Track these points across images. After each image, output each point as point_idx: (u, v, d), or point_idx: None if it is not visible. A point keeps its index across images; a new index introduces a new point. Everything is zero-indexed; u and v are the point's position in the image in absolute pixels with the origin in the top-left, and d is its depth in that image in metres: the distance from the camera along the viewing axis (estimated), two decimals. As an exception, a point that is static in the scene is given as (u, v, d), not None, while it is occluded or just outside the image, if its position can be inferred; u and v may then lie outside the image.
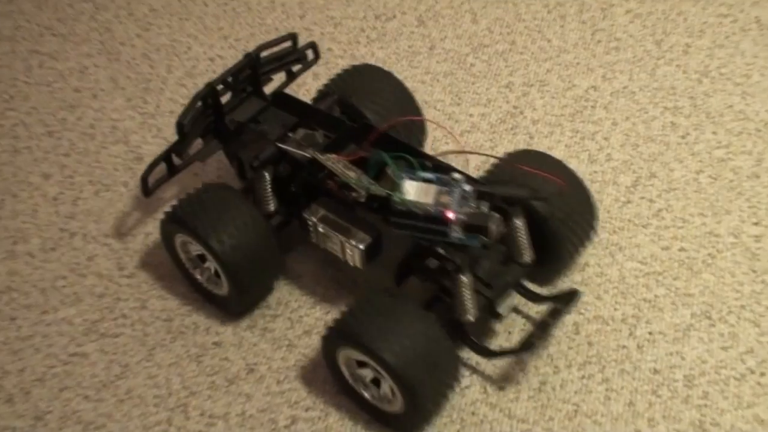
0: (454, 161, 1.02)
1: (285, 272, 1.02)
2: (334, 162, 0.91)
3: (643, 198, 1.08)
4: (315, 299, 1.01)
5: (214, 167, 1.14)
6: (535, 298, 0.94)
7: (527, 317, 0.98)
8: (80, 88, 1.26)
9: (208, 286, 1.00)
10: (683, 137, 1.13)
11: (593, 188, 1.05)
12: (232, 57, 1.26)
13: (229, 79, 1.00)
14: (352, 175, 0.90)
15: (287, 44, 1.04)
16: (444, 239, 0.86)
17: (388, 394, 0.87)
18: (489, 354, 0.92)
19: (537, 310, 0.97)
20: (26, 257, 1.08)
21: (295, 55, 1.05)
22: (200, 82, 1.17)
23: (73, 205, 1.13)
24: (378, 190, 0.88)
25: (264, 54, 1.01)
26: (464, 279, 0.86)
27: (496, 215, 0.87)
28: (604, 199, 1.08)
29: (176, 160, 1.01)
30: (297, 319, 1.00)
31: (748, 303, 0.97)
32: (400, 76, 1.09)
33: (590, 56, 1.23)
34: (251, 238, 0.93)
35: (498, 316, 0.91)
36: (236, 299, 0.97)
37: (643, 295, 0.99)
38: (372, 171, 0.90)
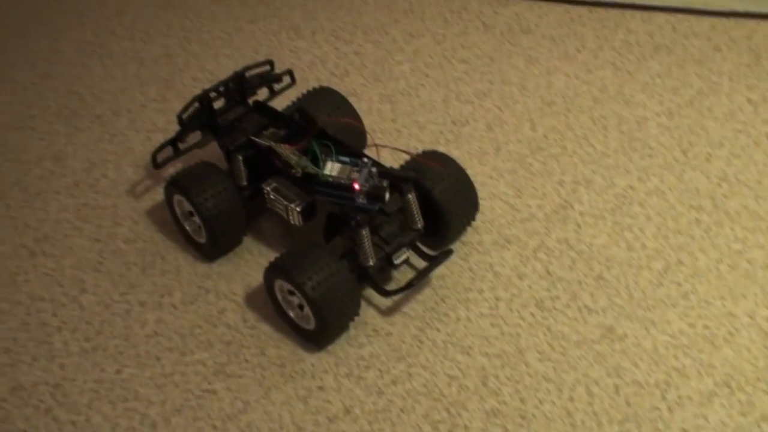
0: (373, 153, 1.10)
1: (249, 231, 1.15)
2: (283, 149, 1.06)
3: (672, 282, 1.06)
4: (402, 362, 1.00)
5: (211, 154, 1.18)
6: (423, 255, 1.06)
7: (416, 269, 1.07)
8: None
9: (193, 236, 1.13)
10: (706, 231, 1.11)
11: (630, 272, 1.04)
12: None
13: (221, 89, 1.15)
14: (293, 157, 1.05)
15: (266, 68, 1.21)
16: (351, 204, 1.00)
17: (307, 316, 0.99)
18: (385, 293, 1.03)
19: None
20: (170, 308, 1.09)
21: (272, 77, 1.21)
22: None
23: (209, 267, 1.13)
24: (309, 168, 1.03)
25: (250, 73, 1.17)
26: (363, 232, 0.99)
27: (389, 187, 1.01)
28: (640, 281, 1.06)
29: (180, 145, 1.17)
30: (386, 371, 0.99)
31: (763, 376, 0.94)
32: (471, 172, 1.09)
33: (628, 161, 1.22)
34: (226, 201, 1.08)
35: (394, 266, 1.03)
36: (211, 247, 1.11)
37: (673, 364, 0.96)
38: (309, 156, 1.04)
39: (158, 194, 1.23)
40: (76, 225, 1.21)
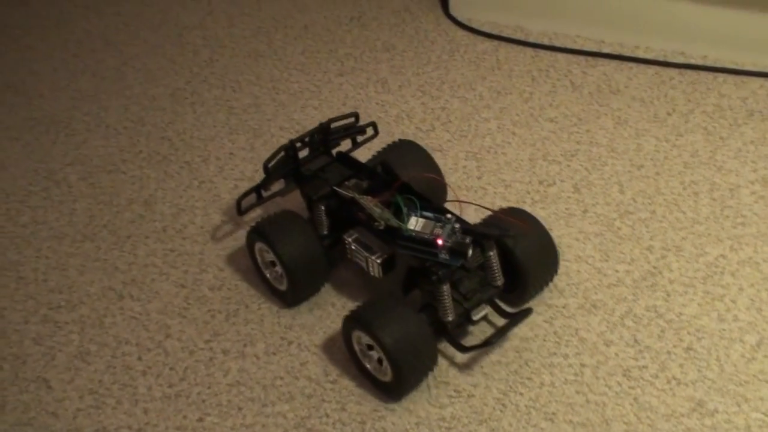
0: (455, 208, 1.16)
1: (330, 279, 1.18)
2: (366, 201, 1.08)
3: (766, 356, 1.03)
4: (483, 426, 0.99)
5: (294, 202, 1.22)
6: (502, 312, 1.07)
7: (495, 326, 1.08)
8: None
9: (274, 283, 1.16)
10: (802, 306, 1.08)
11: (721, 344, 1.02)
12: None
13: (306, 139, 1.18)
14: (377, 210, 1.07)
15: (351, 120, 1.23)
16: (434, 259, 1.02)
17: (384, 369, 1.01)
18: (462, 349, 1.05)
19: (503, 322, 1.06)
20: (253, 358, 1.10)
21: (356, 129, 1.24)
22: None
23: (292, 318, 1.15)
24: (392, 221, 1.06)
25: (335, 125, 1.20)
26: (444, 288, 1.00)
27: (472, 244, 1.02)
28: (731, 354, 1.03)
29: (264, 193, 1.20)
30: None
31: None
32: (557, 233, 1.09)
33: (720, 228, 1.20)
34: (308, 250, 1.11)
35: (472, 322, 1.05)
36: (291, 294, 1.14)
37: (767, 444, 0.93)
38: (392, 209, 1.07)
39: (244, 242, 1.25)
40: (163, 270, 1.24)
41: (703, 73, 1.48)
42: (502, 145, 1.39)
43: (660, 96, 1.44)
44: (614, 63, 1.53)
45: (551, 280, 1.12)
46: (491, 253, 1.03)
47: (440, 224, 1.04)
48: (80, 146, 1.47)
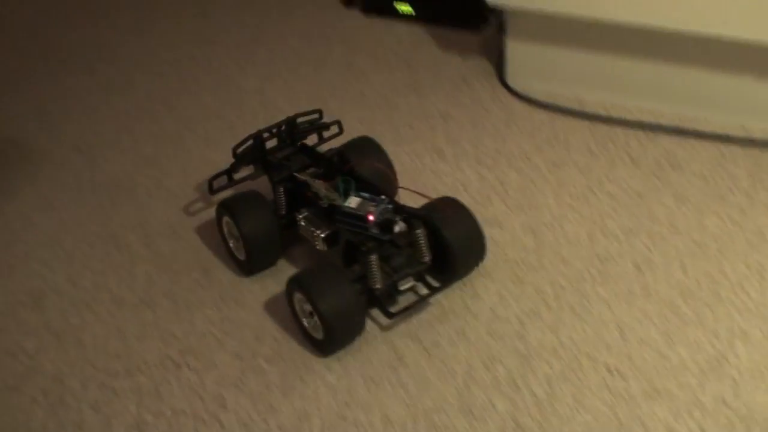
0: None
1: (286, 256, 1.33)
2: (315, 183, 1.25)
3: (839, 453, 0.99)
4: None
5: (263, 186, 1.34)
6: (428, 286, 1.21)
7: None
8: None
9: (234, 251, 1.32)
10: None
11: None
12: (475, 277, 1.27)
13: (273, 131, 1.34)
14: (322, 190, 1.23)
15: (315, 116, 1.39)
16: (365, 232, 1.17)
17: (318, 327, 1.14)
18: (388, 314, 1.17)
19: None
20: (309, 435, 1.09)
21: (320, 124, 1.39)
22: (450, 302, 1.18)
23: (349, 395, 1.14)
24: (333, 200, 1.21)
25: (301, 119, 1.36)
26: (372, 258, 1.14)
27: (401, 222, 1.17)
28: (802, 447, 1.00)
29: (235, 176, 1.36)
30: None
31: None
32: (618, 313, 1.07)
33: (786, 313, 1.17)
34: (265, 226, 1.26)
35: (399, 292, 1.19)
36: (248, 264, 1.30)
37: None
38: (337, 191, 1.22)
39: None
40: (220, 339, 1.24)
41: (766, 150, 1.46)
42: (559, 219, 1.38)
43: (721, 172, 1.42)
44: (674, 138, 1.51)
45: (477, 264, 1.26)
46: (418, 231, 1.17)
47: (374, 204, 1.19)
48: (141, 210, 1.49)
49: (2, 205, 1.51)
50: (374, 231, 1.17)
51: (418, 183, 1.46)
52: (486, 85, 1.69)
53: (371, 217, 1.17)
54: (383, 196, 1.20)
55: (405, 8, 1.89)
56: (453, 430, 1.07)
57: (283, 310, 1.26)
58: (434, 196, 1.33)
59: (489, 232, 1.35)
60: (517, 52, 1.64)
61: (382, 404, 1.12)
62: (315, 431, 1.10)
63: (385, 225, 1.17)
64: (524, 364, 1.15)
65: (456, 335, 1.20)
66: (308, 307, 1.15)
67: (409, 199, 1.32)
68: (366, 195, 1.21)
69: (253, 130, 1.34)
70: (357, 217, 1.18)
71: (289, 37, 1.89)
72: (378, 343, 1.20)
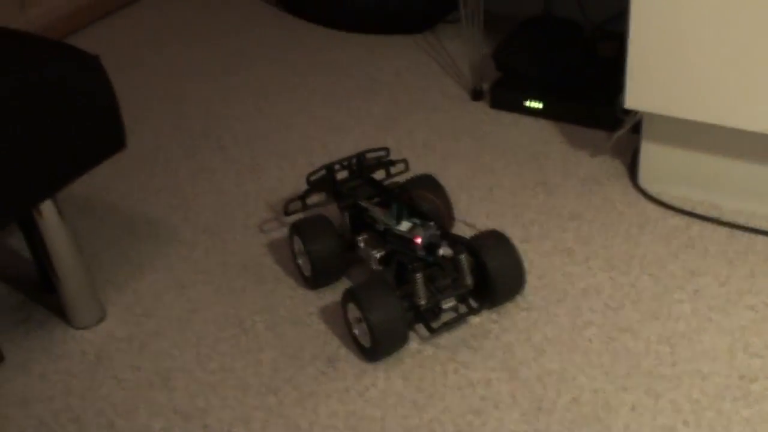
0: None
1: (348, 274, 1.50)
2: (374, 209, 1.42)
3: None
4: None
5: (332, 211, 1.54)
6: (469, 307, 1.36)
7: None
8: (485, 397, 1.27)
9: (302, 268, 1.49)
10: None
11: None
12: (607, 387, 1.24)
13: (345, 164, 1.54)
14: (379, 215, 1.40)
15: (382, 153, 1.57)
16: (413, 254, 1.34)
17: (367, 336, 1.30)
18: (430, 329, 1.34)
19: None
20: None
21: (387, 161, 1.58)
22: (584, 407, 1.15)
23: (477, 504, 1.12)
24: (387, 223, 1.38)
25: (370, 155, 1.56)
26: (417, 276, 1.30)
27: (447, 246, 1.35)
28: None
29: (309, 201, 1.55)
30: None
31: None
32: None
33: None
34: (330, 249, 1.44)
35: (441, 310, 1.34)
36: (313, 280, 1.47)
37: None
38: (392, 216, 1.39)
39: (426, 413, 1.24)
40: (345, 433, 1.24)
41: None
42: (697, 331, 1.34)
43: None
44: (820, 251, 1.46)
45: (518, 291, 1.41)
46: (461, 256, 1.33)
47: (422, 228, 1.34)
48: (268, 295, 1.52)
49: (133, 281, 1.57)
50: (421, 253, 1.32)
51: (547, 284, 1.45)
52: (618, 186, 1.68)
53: (418, 240, 1.33)
54: (432, 223, 1.35)
55: (534, 104, 1.90)
56: None
57: (412, 405, 1.26)
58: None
59: (622, 340, 1.33)
60: (652, 153, 1.63)
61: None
62: None
63: (431, 248, 1.33)
64: (662, 485, 1.11)
65: (590, 449, 1.17)
66: (358, 315, 1.29)
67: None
68: (417, 221, 1.36)
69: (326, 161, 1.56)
70: (406, 240, 1.34)
71: (417, 128, 1.92)
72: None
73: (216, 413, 1.30)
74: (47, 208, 1.36)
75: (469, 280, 1.34)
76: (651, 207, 1.63)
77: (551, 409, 1.24)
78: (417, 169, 1.78)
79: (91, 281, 1.48)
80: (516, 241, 1.54)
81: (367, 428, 1.25)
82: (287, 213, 1.56)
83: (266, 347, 1.41)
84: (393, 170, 1.61)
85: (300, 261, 1.49)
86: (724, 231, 1.54)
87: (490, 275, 1.35)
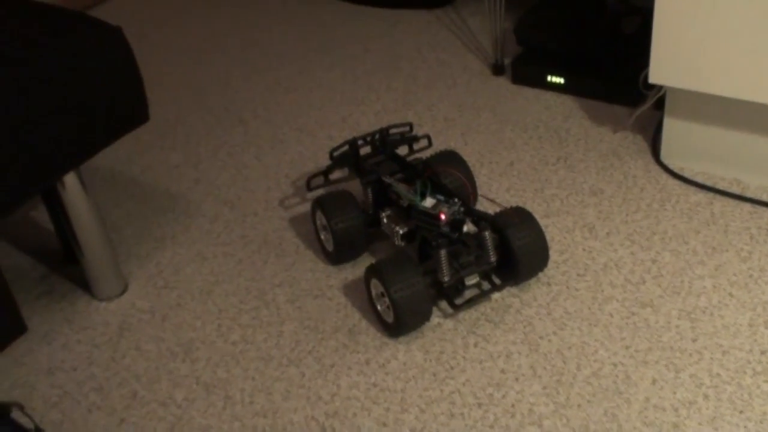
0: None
1: (370, 249, 1.51)
2: (397, 185, 1.42)
3: None
4: None
5: (353, 186, 1.56)
6: (492, 284, 1.36)
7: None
8: (505, 370, 1.29)
9: (325, 243, 1.49)
10: None
11: None
12: (628, 361, 1.25)
13: (368, 139, 1.53)
14: (403, 191, 1.40)
15: (406, 128, 1.58)
16: (437, 230, 1.32)
17: (389, 311, 1.30)
18: (454, 306, 1.35)
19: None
20: None
21: (410, 137, 1.58)
22: (604, 380, 1.17)
23: (497, 475, 1.13)
24: (411, 200, 1.37)
25: (393, 131, 1.56)
26: (441, 252, 1.28)
27: (471, 223, 1.35)
28: None
29: (331, 177, 1.58)
30: None
31: None
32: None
33: None
34: (353, 223, 1.43)
35: (465, 287, 1.35)
36: (335, 255, 1.47)
37: None
38: (416, 192, 1.38)
39: (447, 385, 1.26)
40: (365, 405, 1.26)
41: None
42: (718, 306, 1.35)
43: None
44: (844, 228, 1.46)
45: (541, 269, 1.40)
46: (485, 233, 1.31)
47: (447, 205, 1.34)
48: (289, 268, 1.53)
49: (157, 254, 1.59)
50: (445, 229, 1.32)
51: (568, 259, 1.46)
52: (640, 161, 1.68)
53: (443, 216, 1.32)
54: (456, 199, 1.35)
55: (556, 79, 1.90)
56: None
57: (431, 381, 1.27)
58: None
59: (643, 314, 1.34)
60: (675, 129, 1.62)
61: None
62: None
63: (455, 224, 1.33)
64: (682, 458, 1.12)
65: (608, 420, 1.18)
66: (382, 291, 1.29)
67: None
68: (441, 197, 1.36)
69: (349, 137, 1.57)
70: (430, 216, 1.33)
71: (438, 103, 1.93)
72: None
73: (238, 384, 1.32)
74: (70, 180, 1.38)
75: (492, 257, 1.33)
76: (673, 183, 1.63)
77: (571, 382, 1.25)
78: (438, 143, 1.78)
79: (113, 253, 1.50)
80: (537, 216, 1.55)
81: (387, 400, 1.26)
82: (310, 188, 1.57)
83: (287, 320, 1.43)
84: (416, 146, 1.62)
85: (322, 236, 1.50)
86: (746, 207, 1.54)
87: (514, 253, 1.34)
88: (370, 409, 1.25)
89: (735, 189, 1.58)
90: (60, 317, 1.48)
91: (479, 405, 1.23)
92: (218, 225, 1.65)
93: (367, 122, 1.90)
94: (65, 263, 1.59)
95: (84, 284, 1.51)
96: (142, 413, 1.28)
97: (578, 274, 1.44)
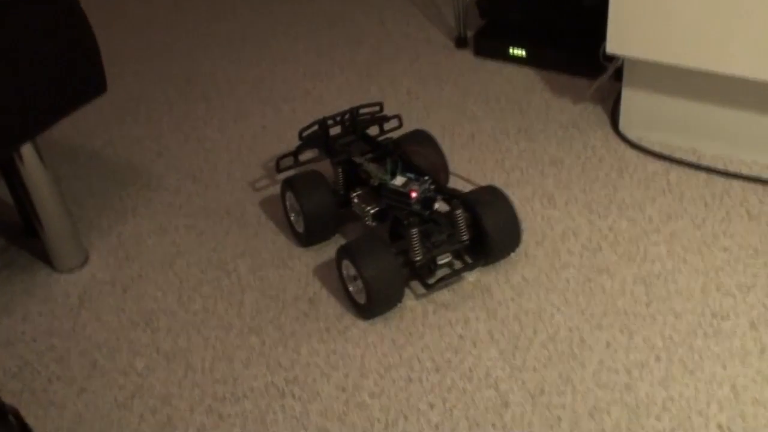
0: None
1: (341, 232, 1.50)
2: (367, 164, 1.41)
3: None
4: None
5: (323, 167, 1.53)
6: (464, 263, 1.37)
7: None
8: (463, 336, 1.31)
9: (295, 225, 1.48)
10: None
11: None
12: (583, 325, 1.28)
13: (337, 119, 1.52)
14: (373, 170, 1.39)
15: (376, 108, 1.56)
16: (408, 207, 1.33)
17: (361, 293, 1.29)
18: (426, 285, 1.34)
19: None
20: (411, 472, 1.11)
21: (380, 117, 1.57)
22: (560, 344, 1.19)
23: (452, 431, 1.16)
24: (381, 179, 1.37)
25: (363, 111, 1.55)
26: (413, 231, 1.28)
27: (442, 201, 1.35)
28: None
29: (301, 157, 1.55)
30: None
31: None
32: (731, 372, 1.06)
33: None
34: (324, 203, 1.42)
35: (437, 266, 1.34)
36: (306, 236, 1.46)
37: None
38: (388, 171, 1.37)
39: (405, 351, 1.28)
40: (325, 371, 1.28)
41: None
42: (672, 271, 1.37)
43: None
44: (795, 194, 1.50)
45: (513, 249, 1.40)
46: (458, 212, 1.31)
47: (417, 183, 1.34)
48: (251, 239, 1.54)
49: (116, 226, 1.60)
50: (416, 207, 1.32)
51: (527, 227, 1.48)
52: (599, 132, 1.70)
53: (414, 194, 1.32)
54: (426, 177, 1.35)
55: (518, 52, 1.92)
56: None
57: (390, 343, 1.30)
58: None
59: (599, 280, 1.36)
60: (633, 100, 1.65)
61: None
62: (417, 469, 1.11)
63: (426, 202, 1.33)
64: (633, 417, 1.15)
65: (562, 382, 1.21)
66: (353, 273, 1.29)
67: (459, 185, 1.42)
68: (411, 175, 1.36)
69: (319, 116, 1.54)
70: (401, 194, 1.33)
71: (401, 76, 1.94)
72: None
73: (198, 352, 1.33)
74: (28, 152, 1.38)
75: (465, 236, 1.33)
76: (631, 153, 1.65)
77: (528, 346, 1.28)
78: (399, 115, 1.79)
79: (73, 225, 1.50)
80: (497, 185, 1.57)
81: (347, 366, 1.28)
82: (279, 170, 1.55)
83: (249, 289, 1.44)
84: (386, 126, 1.60)
85: (292, 217, 1.48)
86: (702, 175, 1.57)
87: (486, 231, 1.34)
88: (330, 375, 1.27)
89: (691, 158, 1.61)
90: (20, 289, 1.48)
91: (437, 370, 1.26)
92: (180, 197, 1.66)
93: (330, 96, 1.91)
94: (25, 236, 1.59)
95: (44, 257, 1.52)
96: (102, 382, 1.29)
97: (536, 242, 1.46)
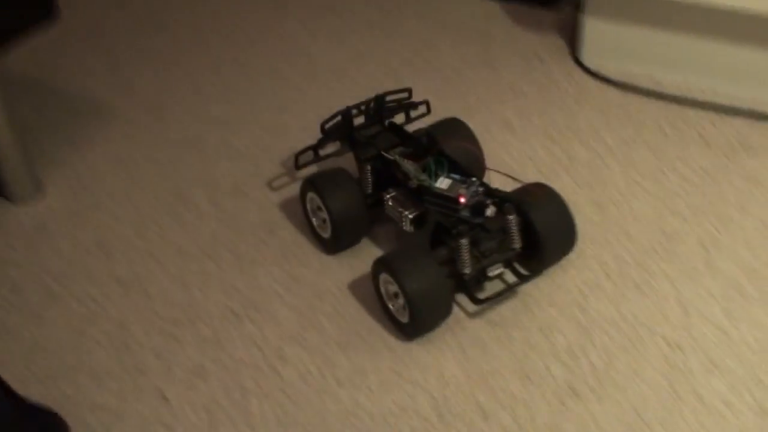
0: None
1: (370, 235, 1.33)
2: (404, 162, 1.23)
3: None
4: None
5: (348, 163, 1.35)
6: (517, 274, 1.19)
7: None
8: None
9: (318, 229, 1.32)
10: None
11: None
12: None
13: (362, 108, 1.35)
14: (412, 170, 1.21)
15: (405, 94, 1.39)
16: (455, 214, 1.15)
17: (403, 310, 1.13)
18: (476, 300, 1.17)
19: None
20: (366, 390, 1.13)
21: (409, 104, 1.40)
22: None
23: (407, 354, 1.17)
24: (423, 180, 1.19)
25: (390, 98, 1.37)
26: (462, 241, 1.12)
27: (492, 206, 1.15)
28: None
29: (321, 152, 1.38)
30: None
31: None
32: (681, 289, 1.08)
33: None
34: (352, 204, 1.25)
35: (487, 278, 1.17)
36: (333, 242, 1.29)
37: None
38: (427, 171, 1.20)
39: (362, 272, 1.29)
40: (282, 295, 1.28)
41: None
42: (627, 196, 1.39)
43: (797, 157, 1.42)
44: (747, 121, 1.51)
45: (567, 252, 1.24)
46: (510, 217, 1.15)
47: (465, 185, 1.18)
48: (209, 169, 1.54)
49: (73, 158, 1.58)
50: (465, 214, 1.16)
51: (486, 154, 1.49)
52: (559, 61, 1.71)
53: (463, 200, 1.16)
54: (474, 179, 1.19)
55: (480, -18, 1.91)
56: (508, 392, 1.10)
57: (347, 267, 1.30)
58: (523, 179, 1.36)
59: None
60: (593, 29, 1.65)
61: (439, 365, 1.15)
62: (372, 386, 1.13)
63: (477, 208, 1.16)
64: (583, 334, 1.17)
65: (516, 302, 1.23)
66: (394, 289, 1.14)
67: (496, 181, 1.35)
68: (456, 176, 1.20)
69: (341, 107, 1.37)
70: (448, 199, 1.17)
71: (362, 6, 1.92)
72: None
73: (154, 279, 1.34)
74: (-22, 78, 1.36)
75: (517, 243, 1.17)
76: (590, 81, 1.66)
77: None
78: (360, 50, 1.78)
79: (28, 156, 1.49)
80: (457, 113, 1.57)
81: (303, 289, 1.29)
82: (298, 166, 1.38)
83: (206, 218, 1.44)
84: (414, 113, 1.43)
85: (315, 221, 1.32)
86: (660, 103, 1.58)
87: (539, 237, 1.17)
88: (287, 299, 1.28)
89: (650, 86, 1.62)
90: (-26, 220, 1.47)
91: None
92: (138, 129, 1.65)
93: (292, 29, 1.89)
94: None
95: (-1, 188, 1.50)
96: (58, 310, 1.29)
97: (494, 167, 1.47)
